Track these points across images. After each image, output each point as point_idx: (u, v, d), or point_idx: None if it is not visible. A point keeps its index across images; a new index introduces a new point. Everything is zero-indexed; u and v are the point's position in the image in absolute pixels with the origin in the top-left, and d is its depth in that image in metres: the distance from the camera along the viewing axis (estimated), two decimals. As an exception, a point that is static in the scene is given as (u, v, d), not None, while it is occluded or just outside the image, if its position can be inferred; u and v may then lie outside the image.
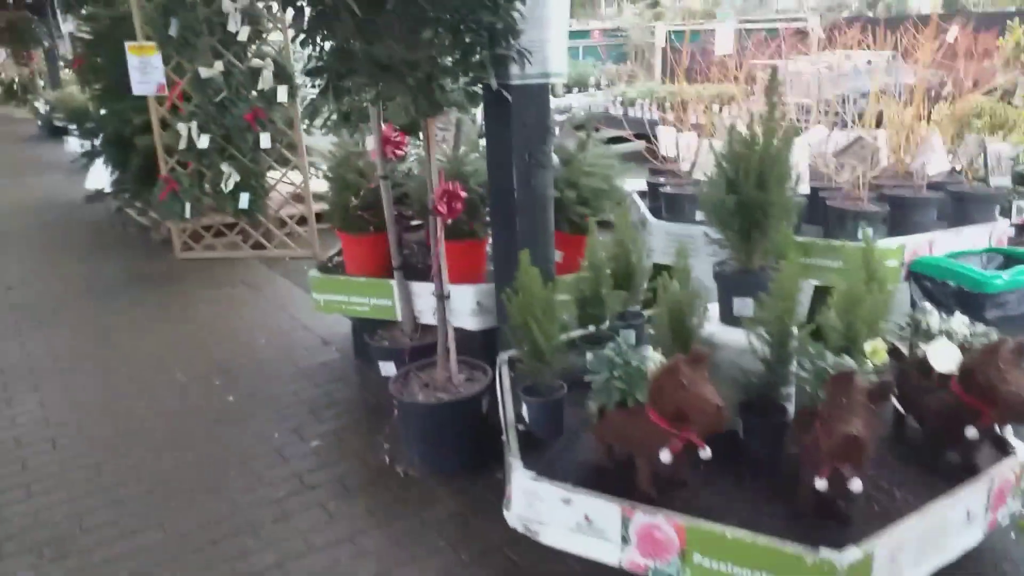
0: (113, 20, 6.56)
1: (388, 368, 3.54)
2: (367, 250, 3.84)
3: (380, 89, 2.71)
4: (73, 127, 10.11)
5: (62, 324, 5.06)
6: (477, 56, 2.69)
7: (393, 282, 3.66)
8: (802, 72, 7.85)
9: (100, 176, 7.51)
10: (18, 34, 17.16)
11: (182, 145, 5.85)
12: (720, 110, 7.29)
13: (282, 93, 5.68)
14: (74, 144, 10.31)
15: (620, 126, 8.60)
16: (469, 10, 2.60)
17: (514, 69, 2.87)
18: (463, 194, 3.03)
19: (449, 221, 3.06)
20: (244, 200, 5.82)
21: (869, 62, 7.58)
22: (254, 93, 5.74)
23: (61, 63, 17.07)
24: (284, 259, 6.16)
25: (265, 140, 5.73)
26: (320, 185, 6.41)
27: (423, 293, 3.65)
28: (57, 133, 12.93)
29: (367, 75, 2.64)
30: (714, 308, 2.74)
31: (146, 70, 5.88)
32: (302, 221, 6.28)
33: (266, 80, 5.66)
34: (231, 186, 5.79)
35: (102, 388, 4.10)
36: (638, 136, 5.54)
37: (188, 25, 5.70)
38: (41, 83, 17.77)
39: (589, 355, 2.45)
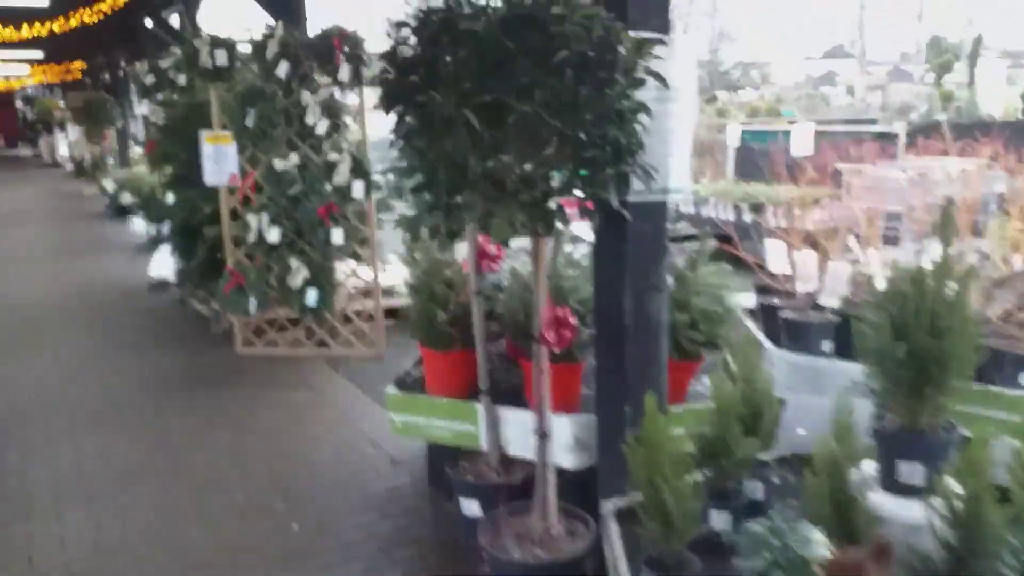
0: (190, 108, 6.54)
1: (471, 507, 3.17)
2: (449, 367, 3.52)
3: (492, 206, 2.43)
4: (139, 209, 10.14)
5: (117, 426, 4.79)
6: (602, 173, 2.42)
7: (479, 405, 3.33)
8: (890, 178, 7.53)
9: (164, 263, 7.39)
10: (94, 114, 17.64)
11: (251, 238, 5.68)
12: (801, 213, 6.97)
13: (358, 189, 5.49)
14: (139, 225, 10.34)
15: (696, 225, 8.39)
16: (594, 125, 2.35)
17: (634, 185, 2.59)
18: (573, 320, 2.72)
19: (557, 351, 2.73)
20: (312, 297, 5.58)
21: (964, 170, 7.23)
22: (329, 187, 5.57)
23: (131, 142, 17.52)
24: (348, 359, 5.87)
25: (338, 236, 5.50)
26: (389, 279, 6.18)
27: (510, 419, 3.30)
28: (123, 212, 13.05)
29: (480, 192, 2.36)
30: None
31: (220, 160, 5.78)
32: (369, 317, 6.00)
33: (342, 174, 5.48)
34: (300, 282, 5.56)
35: (157, 506, 3.77)
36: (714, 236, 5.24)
37: (265, 116, 5.62)
38: (111, 161, 18.19)
39: (717, 515, 2.07)
